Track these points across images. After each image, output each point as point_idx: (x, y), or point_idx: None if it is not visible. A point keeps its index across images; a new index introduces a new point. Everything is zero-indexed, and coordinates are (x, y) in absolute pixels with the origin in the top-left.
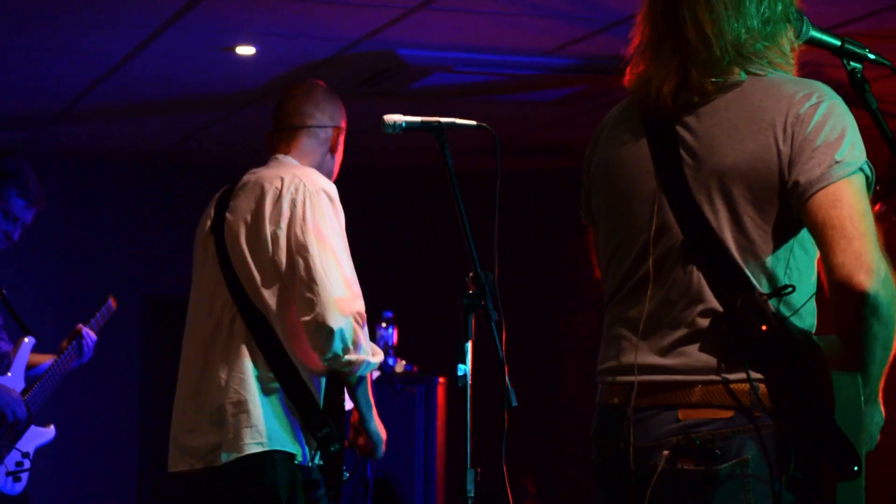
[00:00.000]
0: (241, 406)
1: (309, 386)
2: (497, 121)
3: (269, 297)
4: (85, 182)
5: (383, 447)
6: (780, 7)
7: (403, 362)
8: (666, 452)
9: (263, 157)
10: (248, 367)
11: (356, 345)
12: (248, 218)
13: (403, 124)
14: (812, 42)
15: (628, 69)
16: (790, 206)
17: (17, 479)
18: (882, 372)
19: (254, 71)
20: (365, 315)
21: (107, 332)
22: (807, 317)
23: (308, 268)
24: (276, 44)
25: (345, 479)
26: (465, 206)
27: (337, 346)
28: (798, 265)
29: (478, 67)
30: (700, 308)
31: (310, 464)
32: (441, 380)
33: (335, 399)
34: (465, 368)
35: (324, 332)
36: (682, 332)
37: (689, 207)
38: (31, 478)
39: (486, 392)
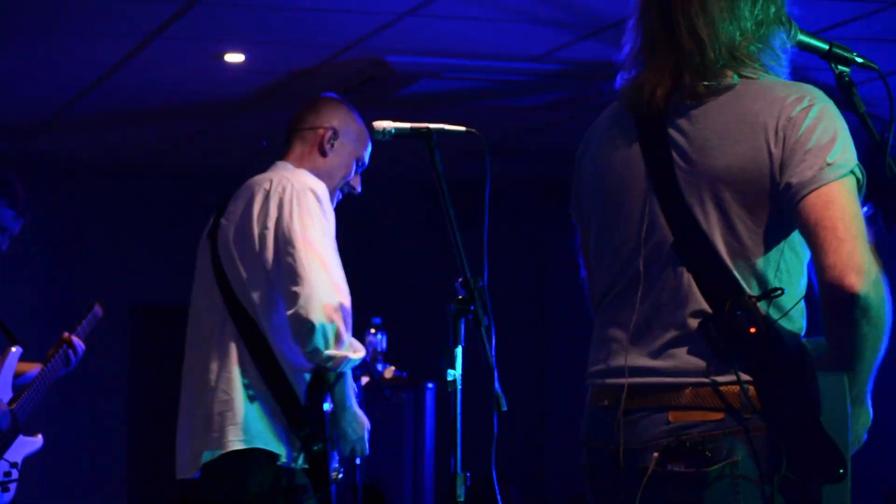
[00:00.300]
0: (227, 405)
1: (295, 387)
2: (483, 126)
3: (257, 296)
4: (72, 191)
5: (365, 448)
6: (772, 10)
7: (393, 368)
8: (656, 454)
9: (252, 164)
10: (235, 367)
11: (338, 340)
12: (238, 220)
13: (393, 130)
14: (800, 46)
15: (620, 74)
16: (781, 209)
17: (5, 490)
18: (870, 373)
19: (242, 78)
20: (349, 310)
21: (94, 341)
22: (796, 319)
23: (293, 263)
24: (265, 51)
25: (339, 477)
26: (460, 212)
27: (318, 340)
28: (788, 268)
29: (465, 73)
30: (690, 310)
31: (293, 465)
32: (430, 385)
33: (318, 399)
34: (454, 373)
35: (306, 326)
36: (671, 334)
37: (679, 210)
38: (20, 488)
39: (471, 397)
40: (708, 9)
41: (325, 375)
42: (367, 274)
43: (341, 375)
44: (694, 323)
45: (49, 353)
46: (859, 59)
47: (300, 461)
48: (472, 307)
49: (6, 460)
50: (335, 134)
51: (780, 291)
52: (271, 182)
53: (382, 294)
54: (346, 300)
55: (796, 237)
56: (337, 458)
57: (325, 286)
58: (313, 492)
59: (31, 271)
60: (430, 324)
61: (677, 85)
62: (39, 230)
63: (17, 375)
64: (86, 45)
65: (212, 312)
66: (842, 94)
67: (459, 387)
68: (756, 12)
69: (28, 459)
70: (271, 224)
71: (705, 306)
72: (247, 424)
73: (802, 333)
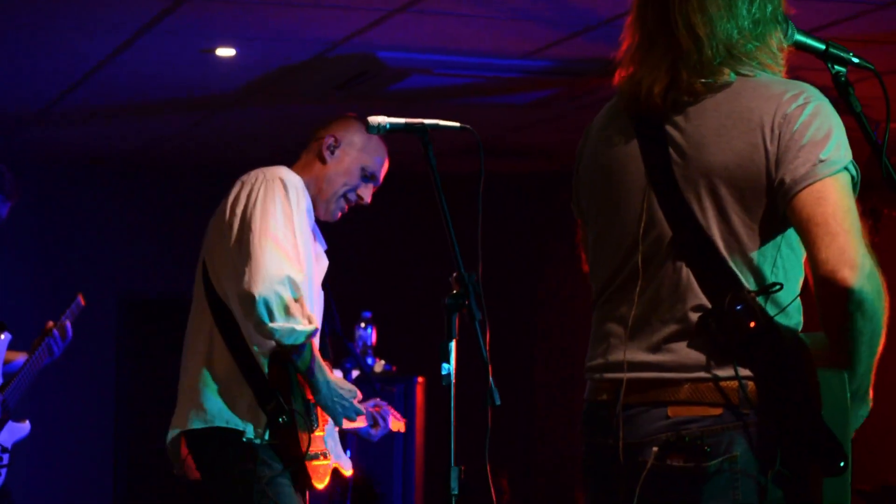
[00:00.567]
0: (193, 386)
1: (263, 366)
2: (474, 123)
3: (226, 280)
4: (62, 184)
5: (353, 413)
6: (769, 8)
7: (382, 362)
8: (655, 449)
9: (243, 158)
10: (207, 350)
11: (285, 312)
12: (217, 212)
13: (388, 125)
14: (797, 45)
15: (618, 71)
16: (777, 205)
17: None
18: (870, 368)
19: (233, 73)
20: (298, 285)
21: (82, 334)
22: (793, 315)
23: (247, 244)
24: (256, 46)
25: (326, 459)
26: (449, 207)
27: (261, 312)
28: (785, 264)
29: (456, 70)
30: (689, 305)
31: (259, 441)
32: (420, 379)
33: (282, 372)
34: (448, 367)
35: (248, 300)
36: (670, 328)
37: (677, 205)
38: (10, 473)
39: (462, 391)
40: (706, 7)
41: (284, 347)
42: (356, 268)
43: (296, 349)
44: (693, 317)
45: (35, 342)
46: (855, 60)
47: (267, 436)
48: (467, 302)
49: None
50: (336, 142)
51: (778, 286)
52: (249, 175)
53: (372, 288)
54: (298, 275)
55: (793, 234)
56: (329, 440)
57: (272, 262)
58: (283, 466)
59: (21, 263)
60: (419, 318)
61: (675, 82)
62: (29, 222)
63: (5, 363)
64: (77, 38)
65: (196, 300)
66: (838, 94)
67: (453, 381)
68: (753, 11)
69: (17, 447)
70: (238, 211)
71: (704, 301)
72: (208, 404)
73: (799, 329)
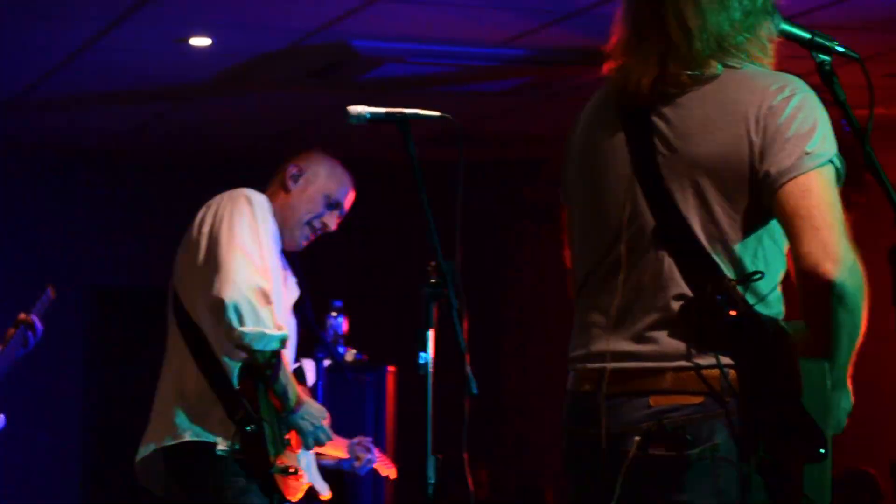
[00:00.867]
0: (165, 402)
1: (230, 377)
2: (446, 111)
3: (195, 297)
4: (33, 172)
5: (326, 436)
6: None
7: (353, 351)
8: (637, 438)
9: (215, 147)
10: (179, 370)
11: (255, 317)
12: (186, 232)
13: (368, 115)
14: (782, 35)
15: (608, 62)
16: (761, 197)
17: None
18: (849, 358)
19: (208, 62)
20: (268, 293)
21: (49, 323)
22: (774, 304)
23: (215, 256)
24: (231, 35)
25: (293, 472)
26: (415, 197)
27: (231, 316)
28: (766, 254)
29: (430, 58)
30: (671, 294)
31: (226, 451)
32: (391, 368)
33: (251, 384)
34: (426, 356)
35: (217, 306)
36: (652, 317)
37: (661, 195)
38: None
39: (436, 380)
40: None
41: (254, 357)
42: (327, 257)
43: (271, 364)
44: (675, 307)
45: (7, 333)
46: (840, 48)
47: (236, 447)
48: (445, 290)
49: None
50: (299, 171)
51: (759, 276)
52: (214, 198)
53: (342, 277)
54: (267, 285)
55: (776, 225)
56: (303, 459)
57: (241, 270)
58: (253, 475)
59: None
60: (390, 307)
61: (662, 74)
62: None
63: None
64: (52, 27)
65: (169, 327)
66: (823, 83)
67: (430, 370)
68: (745, 2)
69: None
70: (206, 230)
71: (686, 290)
72: (179, 420)
73: (780, 318)
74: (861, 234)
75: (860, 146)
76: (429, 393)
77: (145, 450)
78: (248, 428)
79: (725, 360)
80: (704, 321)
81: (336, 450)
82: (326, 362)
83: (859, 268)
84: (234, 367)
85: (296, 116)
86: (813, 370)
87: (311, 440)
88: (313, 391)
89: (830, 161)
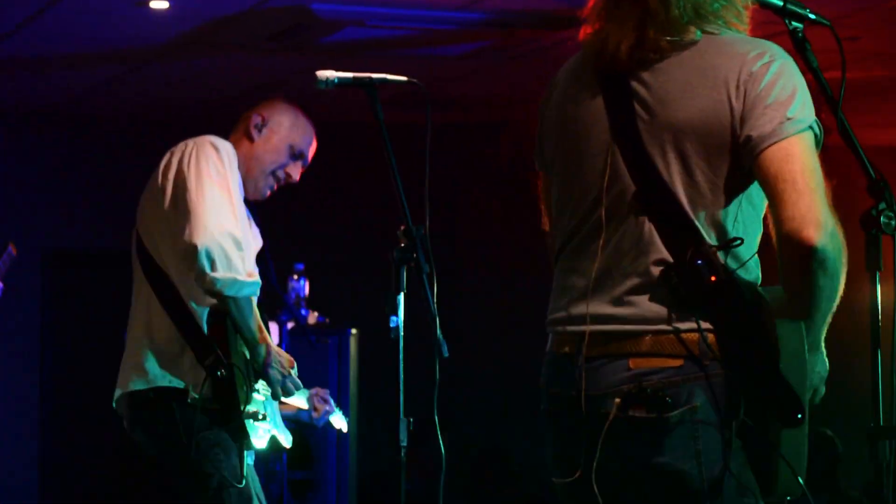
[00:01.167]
0: (135, 350)
1: (199, 322)
2: (406, 74)
3: (161, 241)
4: None
5: (293, 387)
6: None
7: (316, 314)
8: (617, 400)
9: (172, 110)
10: (146, 317)
11: (227, 263)
12: (150, 180)
13: (336, 80)
14: (757, 2)
15: (584, 27)
16: (741, 162)
17: None
18: (825, 321)
19: (166, 25)
20: (240, 240)
21: (5, 284)
22: (752, 269)
23: (184, 202)
24: None
25: (261, 417)
26: (374, 160)
27: (203, 262)
28: (745, 219)
29: (389, 22)
30: (651, 258)
31: (200, 397)
32: (353, 331)
33: (221, 328)
34: (397, 320)
35: (190, 251)
36: (633, 281)
37: (641, 160)
38: None
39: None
40: None
41: (225, 304)
42: (288, 220)
43: (235, 301)
44: (655, 271)
45: None
46: (812, 16)
47: (207, 392)
48: (414, 255)
49: None
50: (263, 121)
51: (739, 241)
52: (178, 145)
53: (304, 240)
54: (237, 231)
55: (754, 190)
56: (269, 407)
57: (213, 216)
58: (223, 422)
59: None
60: (351, 270)
61: (641, 40)
62: None
63: None
64: None
65: (134, 272)
66: (795, 50)
67: (402, 333)
68: None
69: None
70: (171, 175)
71: (666, 255)
72: (149, 366)
73: (758, 283)
74: (834, 199)
75: (832, 112)
76: (401, 356)
77: (118, 393)
78: (220, 373)
79: (705, 325)
80: (684, 286)
81: (296, 400)
82: (290, 325)
83: (839, 233)
84: (201, 313)
85: (255, 79)
86: (790, 333)
87: (278, 387)
88: None
89: (810, 127)
